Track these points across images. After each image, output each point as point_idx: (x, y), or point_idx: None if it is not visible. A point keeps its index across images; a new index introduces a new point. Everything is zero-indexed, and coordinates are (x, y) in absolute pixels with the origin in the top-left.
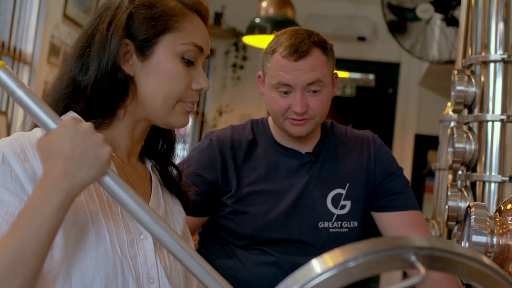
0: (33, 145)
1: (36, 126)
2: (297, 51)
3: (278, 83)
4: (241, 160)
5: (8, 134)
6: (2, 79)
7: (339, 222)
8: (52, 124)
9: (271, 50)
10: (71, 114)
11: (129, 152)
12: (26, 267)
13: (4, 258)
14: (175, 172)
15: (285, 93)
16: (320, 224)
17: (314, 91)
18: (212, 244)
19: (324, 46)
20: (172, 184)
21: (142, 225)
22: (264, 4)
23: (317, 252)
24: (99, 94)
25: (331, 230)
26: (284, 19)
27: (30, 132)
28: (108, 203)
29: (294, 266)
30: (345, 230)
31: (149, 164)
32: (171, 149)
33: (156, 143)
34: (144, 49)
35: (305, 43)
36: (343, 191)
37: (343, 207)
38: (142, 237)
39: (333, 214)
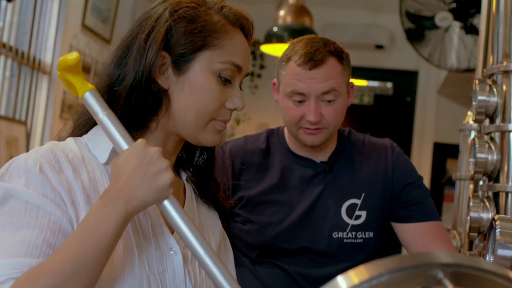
0: (67, 155)
1: (71, 135)
2: (312, 60)
3: (292, 92)
4: (254, 170)
5: (28, 143)
6: (89, 101)
7: (353, 233)
8: (125, 146)
9: (286, 58)
10: None
11: None
12: (85, 278)
13: (66, 266)
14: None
15: (300, 102)
16: (334, 234)
17: (329, 101)
18: None
19: (340, 55)
20: (209, 195)
21: (195, 256)
22: (281, 13)
23: (331, 262)
24: (132, 105)
25: (345, 240)
26: (302, 28)
27: (63, 142)
28: (137, 217)
29: (308, 279)
30: (360, 240)
31: (184, 176)
32: (212, 161)
33: (194, 154)
34: (181, 64)
35: (321, 52)
36: (358, 201)
37: (358, 217)
38: (171, 252)
39: (348, 224)
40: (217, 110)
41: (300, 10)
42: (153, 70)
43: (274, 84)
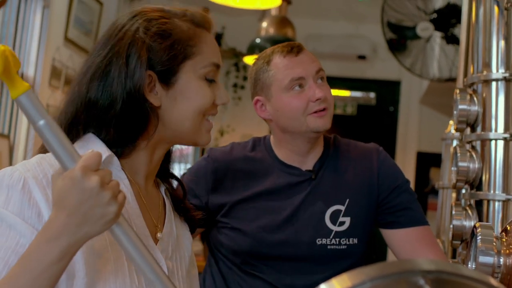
0: (55, 169)
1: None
2: (294, 47)
3: (291, 80)
4: (239, 176)
5: (11, 157)
6: (25, 105)
7: (337, 239)
8: (69, 164)
9: (266, 61)
10: (92, 139)
11: (147, 176)
12: None
13: None
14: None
15: (300, 86)
16: (318, 241)
17: (322, 78)
18: (214, 269)
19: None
20: (183, 208)
21: (145, 278)
22: (264, 24)
23: (315, 269)
24: (123, 127)
25: (329, 247)
26: (284, 39)
27: (50, 154)
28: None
29: (292, 287)
30: (344, 247)
31: (162, 188)
32: (168, 162)
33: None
34: (168, 78)
35: (295, 42)
36: (342, 207)
37: (341, 223)
38: None
39: (332, 230)
40: (210, 107)
41: (283, 22)
42: (142, 91)
43: (257, 101)
